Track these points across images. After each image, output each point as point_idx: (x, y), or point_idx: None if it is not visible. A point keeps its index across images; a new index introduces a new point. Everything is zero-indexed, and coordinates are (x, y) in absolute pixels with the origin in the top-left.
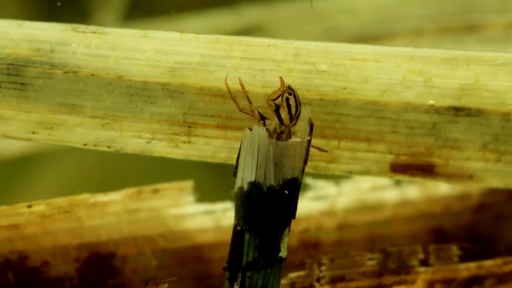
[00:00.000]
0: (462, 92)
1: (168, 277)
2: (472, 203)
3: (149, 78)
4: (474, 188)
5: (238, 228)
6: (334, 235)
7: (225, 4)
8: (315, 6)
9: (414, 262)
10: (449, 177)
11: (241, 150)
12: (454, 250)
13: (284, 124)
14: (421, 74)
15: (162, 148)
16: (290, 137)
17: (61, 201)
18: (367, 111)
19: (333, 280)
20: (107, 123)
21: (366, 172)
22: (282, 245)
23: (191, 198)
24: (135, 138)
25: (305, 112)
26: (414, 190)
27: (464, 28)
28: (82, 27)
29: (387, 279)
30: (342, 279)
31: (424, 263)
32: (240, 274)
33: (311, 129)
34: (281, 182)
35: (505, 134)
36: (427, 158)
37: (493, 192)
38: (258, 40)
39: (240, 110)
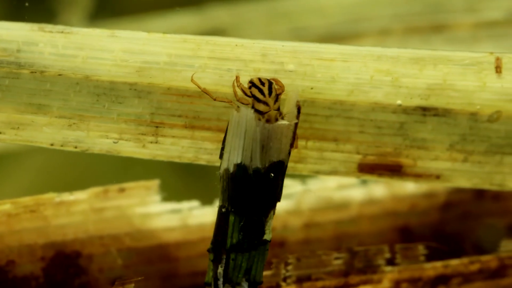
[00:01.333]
0: (430, 92)
1: (134, 276)
2: (438, 201)
3: (116, 78)
4: (440, 186)
5: (223, 210)
6: (300, 233)
7: (192, 4)
8: (283, 6)
9: (381, 261)
10: (417, 177)
11: (227, 132)
12: (421, 249)
13: (259, 101)
14: (389, 74)
15: (129, 148)
16: (277, 120)
17: (27, 200)
18: (334, 111)
19: (299, 280)
20: (74, 123)
21: (333, 172)
22: (267, 227)
23: (157, 197)
24: (102, 138)
25: (293, 95)
26: (380, 189)
27: (431, 28)
28: (49, 26)
29: (354, 279)
30: (308, 278)
31: (391, 262)
32: (224, 256)
33: (299, 112)
34: (267, 165)
35: (473, 134)
36: (395, 158)
37: (459, 190)
38: (226, 40)
39: (215, 99)
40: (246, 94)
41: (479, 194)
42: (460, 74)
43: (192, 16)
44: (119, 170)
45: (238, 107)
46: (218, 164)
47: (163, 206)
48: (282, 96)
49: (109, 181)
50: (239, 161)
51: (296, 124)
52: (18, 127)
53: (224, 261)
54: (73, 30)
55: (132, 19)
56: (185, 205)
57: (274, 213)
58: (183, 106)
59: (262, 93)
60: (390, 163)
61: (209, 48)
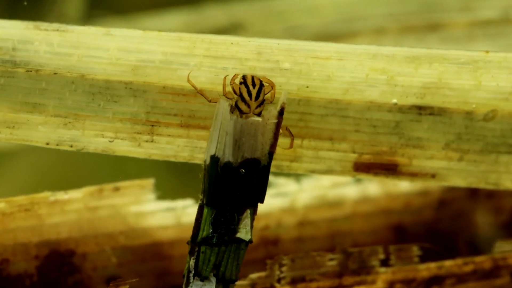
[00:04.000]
0: (425, 91)
1: (128, 273)
2: (432, 199)
3: (112, 77)
4: (435, 185)
5: (200, 202)
6: (294, 231)
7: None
8: (278, 5)
9: (375, 262)
10: (412, 176)
11: (212, 123)
12: (415, 250)
13: (244, 101)
14: (384, 72)
15: (125, 147)
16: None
17: (21, 199)
18: (330, 109)
19: (293, 281)
20: (69, 122)
21: (329, 171)
22: (242, 226)
23: (151, 195)
24: (97, 137)
25: (282, 98)
26: (374, 187)
27: (427, 27)
28: (44, 25)
29: (348, 280)
30: (302, 279)
31: (385, 263)
32: (196, 249)
33: (281, 112)
34: (239, 160)
35: (468, 133)
36: (390, 157)
37: (453, 189)
38: (221, 38)
39: (210, 101)
40: (234, 91)
41: (473, 192)
42: (456, 73)
43: (188, 15)
44: (114, 169)
45: (219, 99)
46: None
47: (158, 204)
48: (269, 96)
49: (104, 180)
50: (213, 153)
51: (277, 124)
52: (14, 126)
53: (196, 253)
54: (68, 29)
55: (127, 17)
56: (179, 203)
57: (254, 213)
58: (178, 105)
59: (249, 95)
60: (385, 162)
61: (205, 46)
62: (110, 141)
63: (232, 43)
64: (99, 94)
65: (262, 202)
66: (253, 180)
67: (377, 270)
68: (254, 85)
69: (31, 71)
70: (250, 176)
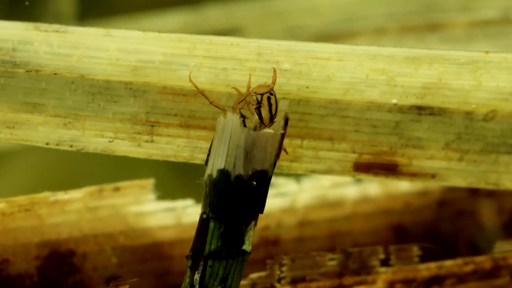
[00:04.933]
0: (425, 91)
1: (128, 273)
2: (433, 199)
3: (112, 77)
4: (434, 185)
5: (204, 216)
6: (294, 232)
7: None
8: (278, 5)
9: (375, 262)
10: (412, 176)
11: (214, 138)
12: (415, 250)
13: (263, 123)
14: (384, 73)
15: (125, 147)
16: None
17: (21, 199)
18: (330, 110)
19: (294, 281)
20: (69, 122)
21: (329, 171)
22: (246, 238)
23: (152, 196)
24: (97, 137)
25: (282, 106)
26: (375, 187)
27: (427, 27)
28: (44, 25)
29: (348, 280)
30: (303, 279)
31: (385, 263)
32: (201, 263)
33: (286, 123)
34: (250, 173)
35: (468, 133)
36: (390, 157)
37: (453, 189)
38: (221, 39)
39: (211, 103)
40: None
41: (473, 192)
42: (456, 73)
43: (188, 15)
44: (114, 169)
45: (225, 112)
46: None
47: (158, 204)
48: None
49: (104, 180)
50: (222, 167)
51: (282, 135)
52: (13, 126)
53: (201, 267)
54: (68, 29)
55: (127, 18)
56: (179, 203)
57: (255, 225)
58: (178, 105)
59: (271, 118)
60: (385, 162)
61: (205, 47)
62: (110, 141)
63: (232, 44)
64: (99, 94)
65: (262, 212)
66: (261, 192)
67: (377, 270)
68: (270, 105)
69: (31, 71)
70: (259, 187)
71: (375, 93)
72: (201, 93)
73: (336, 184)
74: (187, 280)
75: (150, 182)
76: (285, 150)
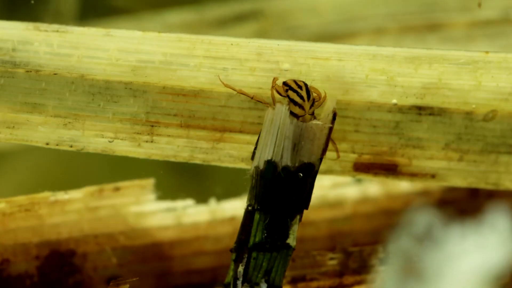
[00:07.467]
0: (425, 91)
1: (129, 274)
2: (432, 200)
3: (112, 77)
4: (434, 185)
5: (249, 208)
6: None
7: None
8: (277, 5)
9: (375, 261)
10: (412, 176)
11: (261, 131)
12: None
13: (297, 104)
14: (384, 73)
15: (125, 147)
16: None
17: (22, 199)
18: None
19: (294, 280)
20: (69, 122)
21: (329, 171)
22: (291, 232)
23: (152, 196)
24: (97, 137)
25: (330, 104)
26: (375, 187)
27: (426, 27)
28: (44, 25)
29: (348, 279)
30: (303, 279)
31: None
32: (246, 255)
33: (334, 118)
34: (297, 164)
35: (468, 133)
36: (390, 157)
37: (453, 189)
38: (221, 39)
39: (252, 98)
40: (281, 95)
41: (473, 192)
42: (456, 73)
43: (188, 15)
44: (114, 169)
45: (268, 106)
46: (213, 163)
47: (158, 204)
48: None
49: (104, 180)
50: (269, 158)
51: (330, 129)
52: (13, 126)
53: (245, 260)
54: (68, 29)
55: (127, 18)
56: (179, 203)
57: (300, 220)
58: (178, 105)
59: (300, 97)
60: (385, 162)
61: (204, 47)
62: (110, 141)
63: (232, 44)
64: (99, 94)
65: (307, 208)
66: (307, 185)
67: (378, 269)
68: (299, 87)
69: (31, 71)
70: (305, 180)
71: (375, 93)
72: (240, 92)
73: (336, 184)
74: (231, 273)
75: (150, 182)
76: (337, 151)
